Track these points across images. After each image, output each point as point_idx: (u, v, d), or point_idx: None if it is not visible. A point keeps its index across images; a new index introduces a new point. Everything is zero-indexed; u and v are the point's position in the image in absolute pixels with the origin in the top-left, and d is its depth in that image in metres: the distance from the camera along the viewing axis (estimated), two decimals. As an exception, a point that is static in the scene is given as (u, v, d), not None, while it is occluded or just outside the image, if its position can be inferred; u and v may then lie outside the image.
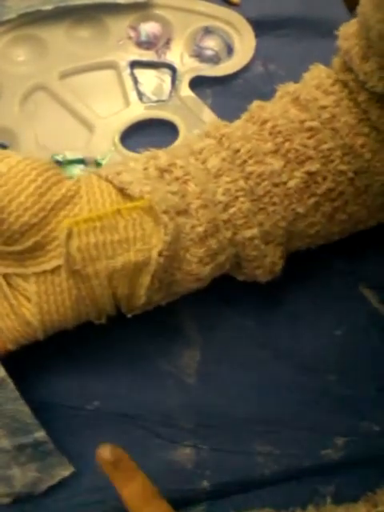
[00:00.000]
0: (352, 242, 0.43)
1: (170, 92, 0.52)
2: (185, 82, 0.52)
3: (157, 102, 0.51)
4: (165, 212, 0.36)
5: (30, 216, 0.35)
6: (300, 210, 0.39)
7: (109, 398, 0.38)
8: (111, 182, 0.37)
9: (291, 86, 0.41)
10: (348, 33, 0.39)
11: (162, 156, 0.39)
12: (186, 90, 0.52)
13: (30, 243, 0.35)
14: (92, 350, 0.40)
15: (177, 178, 0.38)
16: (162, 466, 0.37)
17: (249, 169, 0.38)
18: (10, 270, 0.36)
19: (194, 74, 0.53)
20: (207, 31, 0.55)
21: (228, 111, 0.43)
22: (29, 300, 0.36)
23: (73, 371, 0.39)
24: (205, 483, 0.36)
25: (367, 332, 0.41)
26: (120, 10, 0.55)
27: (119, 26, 0.55)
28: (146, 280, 0.36)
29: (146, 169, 0.38)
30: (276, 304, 0.42)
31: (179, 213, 0.37)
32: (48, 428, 0.35)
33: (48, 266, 0.35)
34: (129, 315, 0.38)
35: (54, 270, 0.35)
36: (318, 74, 0.41)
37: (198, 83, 0.52)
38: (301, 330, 0.41)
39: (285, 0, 0.57)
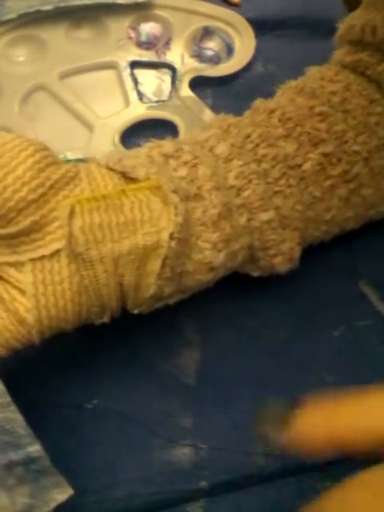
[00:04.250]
0: (353, 239, 0.43)
1: (170, 92, 0.52)
2: (185, 82, 0.52)
3: (157, 102, 0.51)
4: (174, 191, 0.33)
5: (28, 191, 0.31)
6: (316, 193, 0.38)
7: (108, 397, 0.38)
8: (112, 169, 0.34)
9: (293, 82, 0.41)
10: (356, 14, 0.39)
11: (167, 143, 0.37)
12: (186, 90, 0.52)
13: (27, 223, 0.32)
14: (91, 348, 0.40)
15: (185, 163, 0.36)
16: (161, 465, 0.36)
17: (262, 152, 0.37)
18: (1, 259, 0.33)
19: (194, 74, 0.53)
20: (207, 31, 0.55)
21: (228, 111, 0.43)
22: (23, 293, 0.32)
23: (71, 369, 0.39)
24: (203, 483, 0.36)
25: (367, 331, 0.41)
26: (120, 10, 0.55)
27: (119, 26, 0.55)
28: (155, 267, 0.33)
29: (149, 156, 0.36)
30: (276, 303, 0.42)
31: (189, 198, 0.35)
32: (45, 427, 0.35)
33: (46, 251, 0.32)
34: (135, 311, 0.36)
35: (53, 255, 0.32)
36: (318, 69, 0.41)
37: (198, 83, 0.52)
38: (300, 330, 0.41)
39: (285, 0, 0.57)
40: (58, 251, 0.32)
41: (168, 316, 0.41)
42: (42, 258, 0.32)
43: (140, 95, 0.52)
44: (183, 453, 0.37)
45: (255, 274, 0.40)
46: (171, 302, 0.36)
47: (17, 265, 0.32)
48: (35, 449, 0.30)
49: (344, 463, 0.37)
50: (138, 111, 0.51)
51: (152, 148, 0.37)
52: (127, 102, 0.51)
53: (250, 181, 0.36)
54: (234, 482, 0.36)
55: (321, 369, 0.40)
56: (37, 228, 0.32)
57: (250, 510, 0.35)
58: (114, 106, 0.51)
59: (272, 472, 0.37)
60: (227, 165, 0.36)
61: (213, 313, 0.42)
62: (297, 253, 0.39)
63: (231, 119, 0.39)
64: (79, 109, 0.50)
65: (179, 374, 0.40)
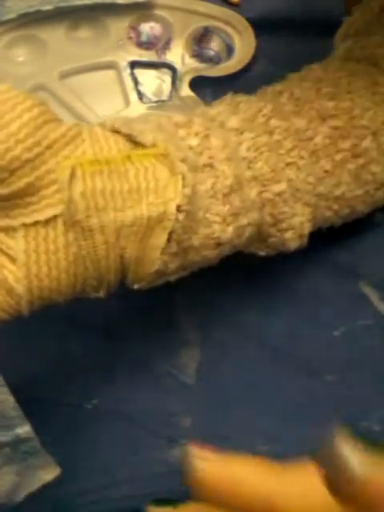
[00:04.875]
0: (353, 239, 0.43)
1: (170, 92, 0.52)
2: (185, 82, 0.52)
3: (157, 102, 0.51)
4: (183, 161, 0.31)
5: (22, 150, 0.28)
6: (327, 166, 0.38)
7: (108, 397, 0.38)
8: (118, 131, 0.32)
9: (296, 74, 0.42)
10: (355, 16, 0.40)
11: (177, 115, 0.35)
12: (186, 90, 0.52)
13: (20, 184, 0.29)
14: (91, 348, 0.40)
15: (196, 133, 0.34)
16: (161, 465, 0.36)
17: (273, 123, 0.37)
18: None
19: (194, 74, 0.52)
20: (207, 31, 0.55)
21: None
22: (13, 260, 0.30)
23: (72, 369, 0.39)
24: (203, 483, 0.36)
25: (367, 331, 0.41)
26: (120, 10, 0.55)
27: (119, 26, 0.55)
28: (160, 240, 0.31)
29: (159, 123, 0.34)
30: (276, 303, 0.42)
31: (198, 168, 0.33)
32: (45, 426, 0.35)
33: (41, 216, 0.29)
34: (135, 287, 0.33)
35: (49, 222, 0.29)
36: (321, 63, 0.42)
37: (198, 83, 0.52)
38: (300, 330, 0.41)
39: (285, 0, 0.57)
40: (54, 217, 0.30)
41: (168, 316, 0.41)
42: (36, 223, 0.29)
43: (140, 95, 0.52)
44: (183, 453, 0.37)
45: (262, 253, 0.38)
46: (173, 279, 0.34)
47: (8, 230, 0.30)
48: (25, 430, 0.29)
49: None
50: (138, 111, 0.51)
51: (163, 117, 0.35)
52: (127, 102, 0.51)
53: (261, 153, 0.35)
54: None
55: (321, 369, 0.40)
56: (32, 191, 0.29)
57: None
58: (114, 105, 0.51)
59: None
60: (238, 137, 0.35)
61: (213, 313, 0.42)
62: (307, 229, 0.38)
63: (241, 97, 0.39)
64: (79, 109, 0.50)
65: (179, 373, 0.40)
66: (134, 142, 0.32)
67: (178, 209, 0.31)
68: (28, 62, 0.53)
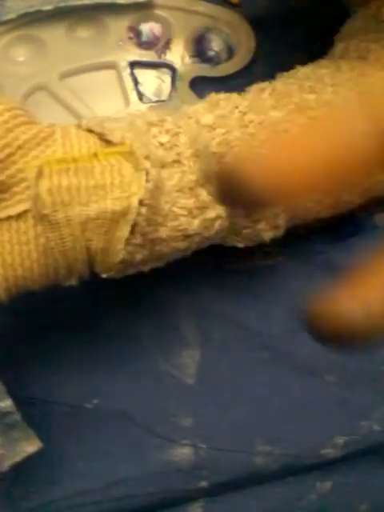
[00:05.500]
0: (353, 239, 0.43)
1: (170, 92, 0.52)
2: (185, 82, 0.52)
3: (157, 102, 0.51)
4: (146, 158, 0.33)
5: None
6: None
7: (108, 397, 0.38)
8: (92, 130, 0.34)
9: (286, 73, 0.42)
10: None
11: (151, 113, 0.37)
12: (186, 90, 0.52)
13: None
14: (91, 348, 0.40)
15: (167, 131, 0.36)
16: (161, 465, 0.36)
17: (248, 118, 0.37)
18: None
19: (194, 74, 0.52)
20: (207, 31, 0.55)
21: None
22: None
23: (72, 369, 0.39)
24: (203, 483, 0.36)
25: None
26: (120, 10, 0.55)
27: (119, 26, 0.55)
28: (124, 232, 0.33)
29: (132, 122, 0.36)
30: (276, 303, 0.42)
31: (165, 165, 0.35)
32: (45, 427, 0.35)
33: (13, 211, 0.32)
34: (104, 276, 0.35)
35: (20, 216, 0.32)
36: (309, 64, 0.42)
37: (198, 83, 0.52)
38: (300, 330, 0.41)
39: (285, 0, 0.57)
40: (25, 212, 0.32)
41: (167, 316, 0.41)
42: (9, 218, 0.32)
43: (140, 95, 0.51)
44: (183, 453, 0.37)
45: (240, 244, 0.39)
46: (145, 269, 0.36)
47: None
48: (7, 404, 0.32)
49: (344, 463, 0.38)
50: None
51: (137, 116, 0.37)
52: (127, 102, 0.51)
53: (232, 147, 0.36)
54: (233, 482, 0.36)
55: (321, 369, 0.40)
56: (4, 188, 0.32)
57: (249, 509, 0.35)
58: (113, 105, 0.51)
59: (272, 472, 0.37)
60: (211, 133, 0.36)
61: (213, 312, 0.42)
62: (281, 220, 0.38)
63: (222, 95, 0.39)
64: (79, 109, 0.50)
65: (179, 374, 0.40)
66: (106, 141, 0.34)
67: (141, 203, 0.33)
68: (28, 61, 0.53)
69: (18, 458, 0.32)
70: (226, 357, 0.40)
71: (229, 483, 0.36)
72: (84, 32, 0.55)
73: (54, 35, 0.54)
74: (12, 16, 0.53)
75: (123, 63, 0.53)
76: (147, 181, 0.33)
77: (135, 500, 0.35)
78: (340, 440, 0.38)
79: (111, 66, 0.53)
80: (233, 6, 0.56)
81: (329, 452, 0.37)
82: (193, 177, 0.35)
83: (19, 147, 0.32)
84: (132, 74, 0.53)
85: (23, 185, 0.32)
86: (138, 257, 0.34)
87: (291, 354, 0.40)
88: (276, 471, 0.37)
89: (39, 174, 0.31)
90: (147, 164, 0.33)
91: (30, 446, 0.32)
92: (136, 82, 0.52)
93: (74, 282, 0.35)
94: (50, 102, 0.51)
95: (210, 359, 0.40)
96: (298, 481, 0.37)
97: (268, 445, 0.38)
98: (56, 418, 0.37)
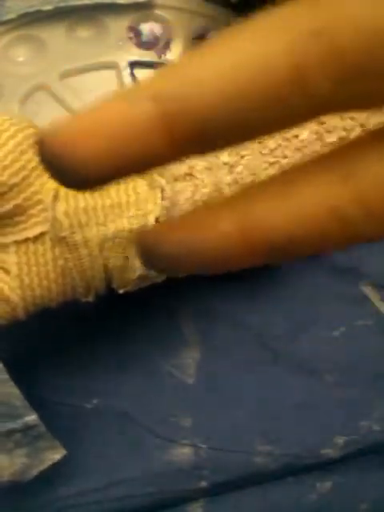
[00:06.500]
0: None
1: (170, 92, 0.52)
2: (185, 82, 0.52)
3: (157, 102, 0.51)
4: (160, 174, 0.33)
5: (9, 175, 0.30)
6: None
7: (108, 397, 0.38)
8: None
9: None
10: None
11: None
12: (186, 90, 0.52)
13: (9, 207, 0.31)
14: (92, 348, 0.40)
15: None
16: (161, 465, 0.36)
17: None
18: None
19: (194, 74, 0.52)
20: (207, 31, 0.55)
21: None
22: (7, 272, 0.32)
23: (72, 369, 0.39)
24: (203, 483, 0.36)
25: (367, 331, 0.41)
26: (120, 10, 0.55)
27: (119, 26, 0.55)
28: None
29: None
30: (276, 303, 0.42)
31: (178, 178, 0.35)
32: (45, 426, 0.35)
33: (30, 233, 0.32)
34: (121, 291, 0.35)
35: (38, 238, 0.32)
36: None
37: (198, 83, 0.52)
38: (300, 330, 0.41)
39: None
40: (42, 234, 0.32)
41: (168, 316, 0.41)
42: (26, 240, 0.32)
43: (140, 95, 0.52)
44: (183, 453, 0.37)
45: None
46: (159, 280, 0.36)
47: (1, 246, 0.32)
48: (32, 418, 0.33)
49: (344, 463, 0.38)
50: (138, 111, 0.51)
51: None
52: (127, 102, 0.51)
53: (242, 157, 0.36)
54: (233, 482, 0.36)
55: (321, 369, 0.40)
56: (20, 211, 0.31)
57: (249, 509, 0.35)
58: (113, 105, 0.51)
59: (272, 472, 0.37)
60: None
61: (213, 312, 0.42)
62: None
63: None
64: (79, 109, 0.50)
65: (179, 374, 0.40)
66: None
67: (157, 220, 0.33)
68: (28, 61, 0.53)
69: (44, 466, 0.33)
70: (226, 357, 0.40)
71: (229, 483, 0.36)
72: (84, 32, 0.55)
73: (54, 35, 0.54)
74: (12, 16, 0.53)
75: (123, 63, 0.53)
76: (163, 198, 0.33)
77: (135, 500, 0.35)
78: (340, 440, 0.38)
79: (111, 66, 0.53)
80: (233, 7, 0.56)
81: (328, 452, 0.37)
82: (205, 190, 0.35)
83: (34, 168, 0.31)
84: (132, 74, 0.53)
85: (39, 207, 0.32)
86: (154, 271, 0.34)
87: (291, 354, 0.40)
88: (276, 471, 0.37)
89: (55, 197, 0.31)
90: (162, 180, 0.33)
91: (56, 454, 0.33)
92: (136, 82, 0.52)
93: (91, 298, 0.35)
94: (49, 101, 0.51)
95: (209, 359, 0.40)
96: (298, 481, 0.37)
97: (268, 445, 0.38)
98: (56, 418, 0.37)
